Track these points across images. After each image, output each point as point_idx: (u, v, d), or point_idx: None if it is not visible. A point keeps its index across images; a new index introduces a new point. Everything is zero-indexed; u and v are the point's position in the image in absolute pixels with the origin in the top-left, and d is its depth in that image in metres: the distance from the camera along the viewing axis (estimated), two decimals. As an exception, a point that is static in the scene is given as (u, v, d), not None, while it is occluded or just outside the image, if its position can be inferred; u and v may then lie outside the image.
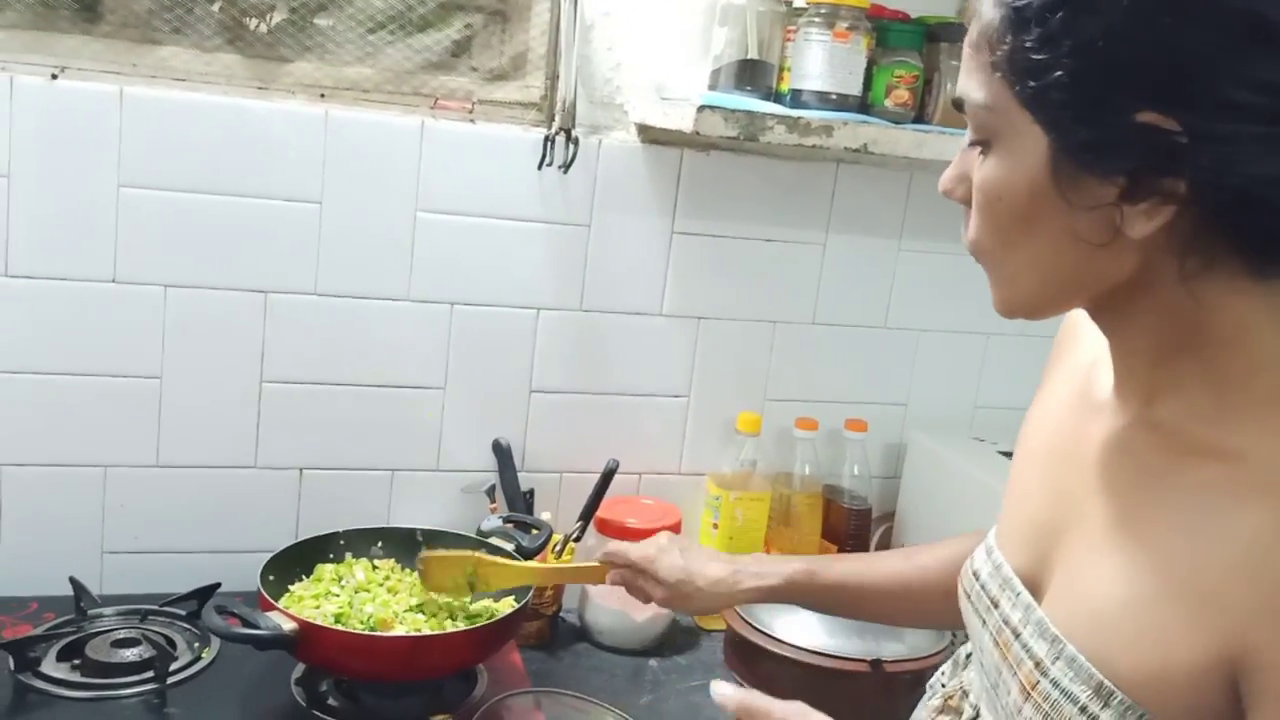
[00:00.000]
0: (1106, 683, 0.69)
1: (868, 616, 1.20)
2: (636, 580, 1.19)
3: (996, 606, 0.82)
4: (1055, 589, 0.78)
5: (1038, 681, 0.74)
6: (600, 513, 1.47)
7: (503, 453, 1.52)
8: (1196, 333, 0.69)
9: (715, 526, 1.55)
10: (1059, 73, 0.64)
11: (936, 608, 1.08)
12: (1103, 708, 0.69)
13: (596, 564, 1.23)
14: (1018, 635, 0.78)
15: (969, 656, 0.93)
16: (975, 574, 0.87)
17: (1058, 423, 0.85)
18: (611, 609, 1.46)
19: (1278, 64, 0.61)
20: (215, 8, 1.34)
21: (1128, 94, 0.63)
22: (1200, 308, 0.68)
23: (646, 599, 1.20)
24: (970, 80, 0.71)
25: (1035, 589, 0.80)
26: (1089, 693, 0.70)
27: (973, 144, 0.73)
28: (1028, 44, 0.65)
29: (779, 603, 1.17)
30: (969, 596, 0.87)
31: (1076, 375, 0.85)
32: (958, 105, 0.73)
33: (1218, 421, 0.69)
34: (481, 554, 1.28)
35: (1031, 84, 0.66)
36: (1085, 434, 0.80)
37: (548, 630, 1.47)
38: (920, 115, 1.42)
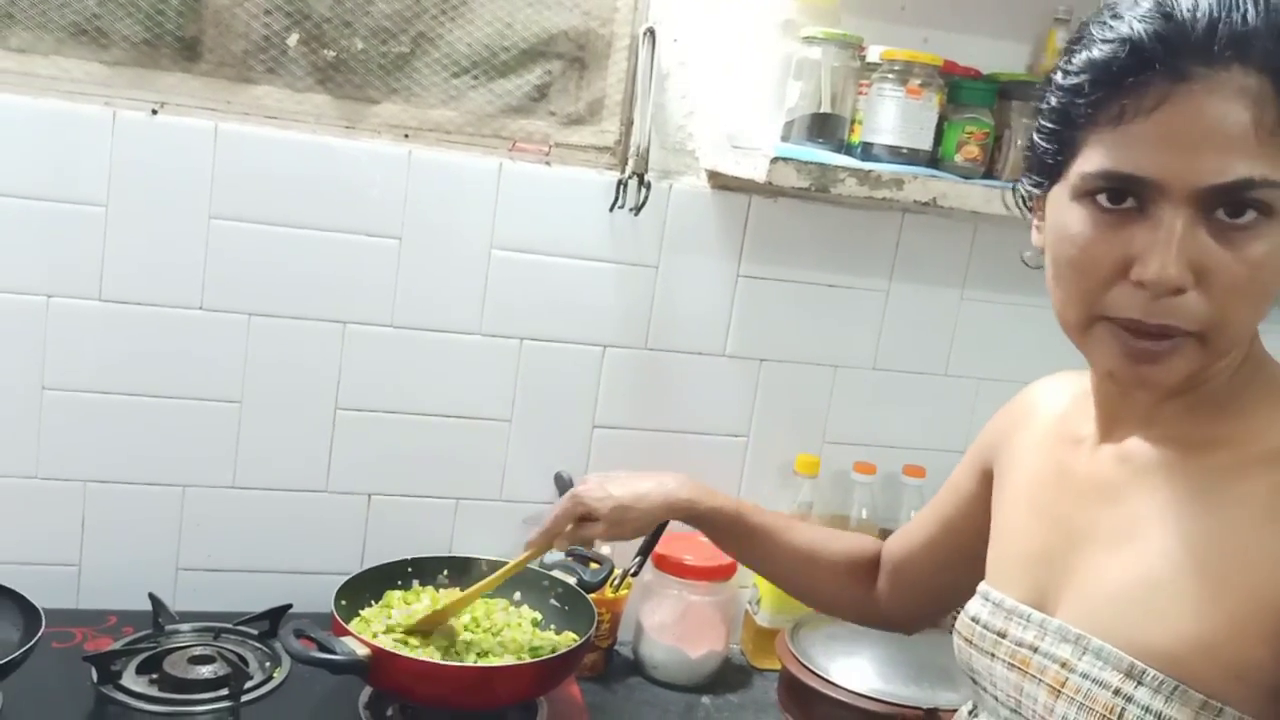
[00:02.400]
0: (1137, 663, 0.73)
1: (764, 571, 1.26)
2: (578, 534, 1.23)
3: (1004, 636, 0.86)
4: (1068, 601, 0.82)
5: (1066, 679, 0.78)
6: (658, 549, 1.49)
7: (564, 485, 1.54)
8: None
9: (771, 566, 1.57)
10: None
11: (827, 589, 1.20)
12: (1136, 687, 0.73)
13: (530, 551, 1.26)
14: (1035, 649, 0.82)
15: (971, 713, 0.95)
16: (975, 619, 0.90)
17: (1037, 466, 0.91)
18: (666, 645, 1.49)
19: None
20: (293, 40, 1.38)
21: None
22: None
23: (590, 542, 1.26)
24: (1262, 163, 0.70)
25: (1041, 611, 0.84)
26: (1120, 676, 0.74)
27: (1246, 226, 0.71)
28: None
29: (698, 527, 1.23)
30: (970, 641, 0.90)
31: (1048, 433, 0.92)
32: (1238, 188, 0.70)
33: (1218, 420, 0.77)
34: (446, 597, 1.34)
35: None
36: (1071, 465, 0.87)
37: (602, 663, 1.50)
38: (990, 170, 1.44)
